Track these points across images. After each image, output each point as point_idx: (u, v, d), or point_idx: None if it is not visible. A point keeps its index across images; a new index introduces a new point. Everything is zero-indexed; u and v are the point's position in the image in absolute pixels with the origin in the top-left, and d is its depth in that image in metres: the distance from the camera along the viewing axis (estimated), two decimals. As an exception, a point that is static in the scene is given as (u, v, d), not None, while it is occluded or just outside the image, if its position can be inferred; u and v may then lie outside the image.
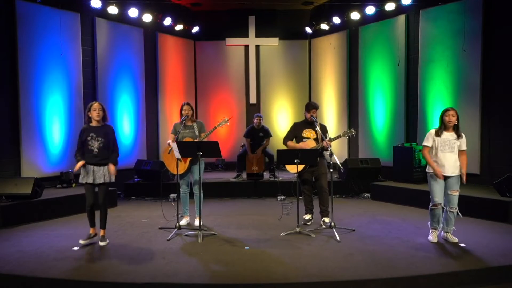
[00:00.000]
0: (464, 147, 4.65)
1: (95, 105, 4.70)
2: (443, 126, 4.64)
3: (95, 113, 4.66)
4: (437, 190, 4.60)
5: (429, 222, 4.77)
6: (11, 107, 6.74)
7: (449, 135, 4.60)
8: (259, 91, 10.36)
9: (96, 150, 4.62)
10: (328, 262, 4.03)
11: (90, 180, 4.61)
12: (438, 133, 4.64)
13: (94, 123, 4.71)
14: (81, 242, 4.62)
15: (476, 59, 6.92)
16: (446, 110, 4.64)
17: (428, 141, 4.70)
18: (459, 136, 4.60)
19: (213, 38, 10.22)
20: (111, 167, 4.68)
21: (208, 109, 10.33)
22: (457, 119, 4.61)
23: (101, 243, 4.68)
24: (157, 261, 4.11)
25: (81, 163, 4.59)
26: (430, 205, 4.68)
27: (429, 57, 7.62)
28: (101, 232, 4.75)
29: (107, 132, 4.73)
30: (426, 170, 4.74)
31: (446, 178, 4.59)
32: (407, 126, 8.08)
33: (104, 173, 4.65)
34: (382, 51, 8.47)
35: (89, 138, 4.63)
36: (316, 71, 10.14)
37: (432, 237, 4.68)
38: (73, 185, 7.15)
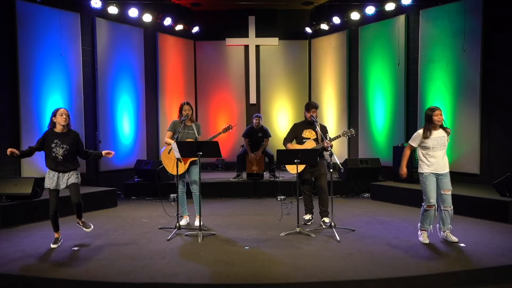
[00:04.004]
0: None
1: (62, 110, 4.60)
2: (431, 126, 4.58)
3: (61, 118, 4.54)
4: (432, 191, 4.58)
5: (419, 224, 4.74)
6: (11, 107, 6.74)
7: (440, 133, 4.60)
8: (259, 91, 10.36)
9: (61, 157, 4.54)
10: (328, 262, 4.03)
11: (53, 186, 4.57)
12: (426, 134, 4.58)
13: (58, 129, 4.58)
14: (53, 246, 4.59)
15: (476, 59, 6.92)
16: (433, 110, 4.58)
17: (414, 142, 4.67)
18: (447, 132, 4.62)
19: (213, 38, 10.22)
20: (109, 153, 4.83)
21: (208, 109, 10.33)
22: None
23: (87, 230, 4.81)
24: (157, 261, 4.11)
25: (14, 151, 4.38)
26: (424, 206, 4.63)
27: (429, 57, 7.62)
28: (81, 221, 4.80)
29: (73, 139, 4.64)
30: (418, 171, 4.70)
31: (438, 176, 4.58)
32: (407, 126, 8.08)
33: (68, 177, 4.61)
34: (382, 51, 8.47)
35: (53, 145, 4.52)
36: (316, 71, 10.14)
37: (423, 238, 4.65)
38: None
